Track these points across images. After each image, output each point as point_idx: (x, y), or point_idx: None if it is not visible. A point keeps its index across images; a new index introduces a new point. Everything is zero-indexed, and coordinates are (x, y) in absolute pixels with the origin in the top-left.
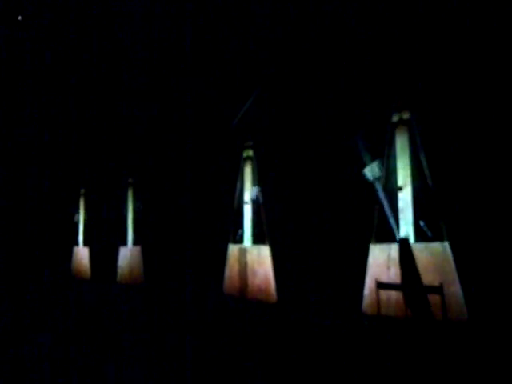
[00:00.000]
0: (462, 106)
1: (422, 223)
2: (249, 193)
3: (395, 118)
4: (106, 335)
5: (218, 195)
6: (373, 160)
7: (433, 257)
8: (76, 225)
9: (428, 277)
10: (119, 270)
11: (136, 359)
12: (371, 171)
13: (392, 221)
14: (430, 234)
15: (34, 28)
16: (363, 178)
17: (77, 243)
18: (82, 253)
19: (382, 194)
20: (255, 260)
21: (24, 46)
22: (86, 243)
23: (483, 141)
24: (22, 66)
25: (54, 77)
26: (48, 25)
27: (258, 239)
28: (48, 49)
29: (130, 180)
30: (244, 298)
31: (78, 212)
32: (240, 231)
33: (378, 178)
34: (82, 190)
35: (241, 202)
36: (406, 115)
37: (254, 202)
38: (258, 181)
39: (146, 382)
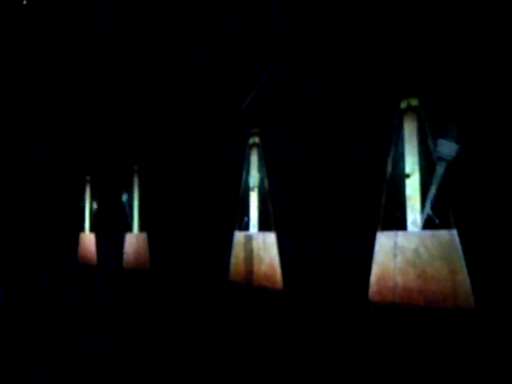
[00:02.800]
0: (471, 92)
1: (429, 210)
2: (255, 180)
3: (403, 105)
4: (112, 321)
5: (223, 182)
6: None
7: (440, 244)
8: (82, 211)
9: (435, 265)
10: (125, 256)
11: (141, 345)
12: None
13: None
14: (437, 221)
15: (40, 13)
16: (370, 164)
17: (83, 229)
18: (88, 239)
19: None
20: (261, 247)
21: (29, 30)
22: (92, 229)
23: (493, 128)
24: (30, 50)
25: (60, 62)
26: (56, 9)
27: (263, 226)
28: (54, 34)
29: (135, 167)
30: (250, 285)
31: (83, 199)
32: (246, 218)
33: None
34: (88, 177)
35: (247, 189)
36: (414, 102)
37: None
38: (264, 168)
39: (150, 368)
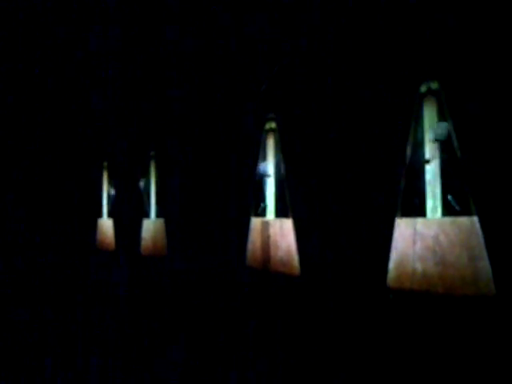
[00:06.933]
0: (493, 75)
1: (449, 197)
2: (272, 166)
3: (423, 89)
4: (131, 305)
5: (240, 168)
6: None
7: (460, 232)
8: (100, 197)
9: (455, 251)
10: (143, 242)
11: (159, 329)
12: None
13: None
14: (458, 208)
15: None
16: (389, 149)
17: (101, 215)
18: (106, 225)
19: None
20: (278, 233)
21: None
22: (109, 215)
23: None
24: (50, 34)
25: (77, 50)
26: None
27: (280, 212)
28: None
29: (152, 153)
30: (267, 270)
31: (101, 185)
32: (262, 204)
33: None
34: (105, 163)
35: (263, 175)
36: (434, 85)
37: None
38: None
39: (170, 352)
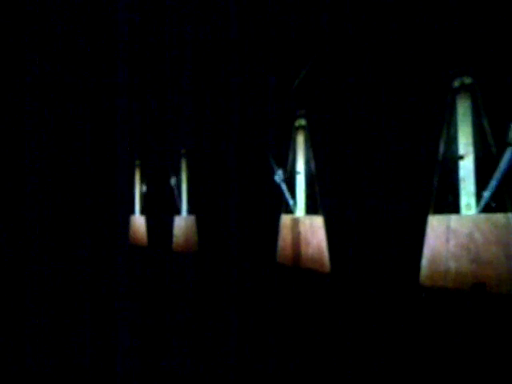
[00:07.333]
0: None
1: (484, 193)
2: (302, 163)
3: (456, 84)
4: (164, 299)
5: (270, 165)
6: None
7: (496, 229)
8: (132, 195)
9: (490, 249)
10: (174, 239)
11: (191, 323)
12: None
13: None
14: (493, 204)
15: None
16: (422, 146)
17: (133, 212)
18: (138, 221)
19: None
20: (308, 230)
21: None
22: (142, 212)
23: None
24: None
25: (118, 48)
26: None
27: (310, 209)
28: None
29: (183, 150)
30: (297, 267)
31: (133, 182)
32: (292, 201)
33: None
34: (137, 161)
35: (293, 172)
36: (467, 80)
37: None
38: (311, 151)
39: (200, 347)
